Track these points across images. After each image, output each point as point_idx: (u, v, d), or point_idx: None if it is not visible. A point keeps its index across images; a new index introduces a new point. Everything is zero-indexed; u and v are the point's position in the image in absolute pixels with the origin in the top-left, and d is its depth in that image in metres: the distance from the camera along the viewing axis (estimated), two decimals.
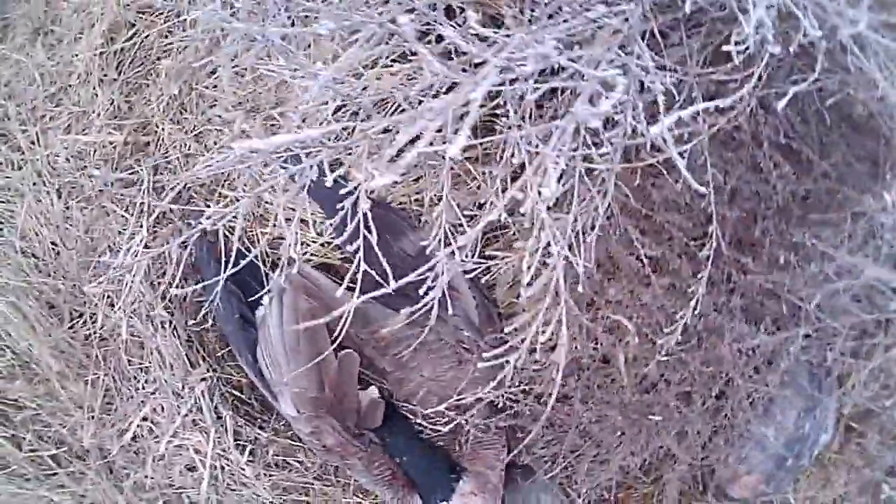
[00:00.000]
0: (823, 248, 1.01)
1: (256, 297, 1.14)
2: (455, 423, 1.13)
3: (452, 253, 0.84)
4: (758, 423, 1.25)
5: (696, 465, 1.25)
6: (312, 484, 1.26)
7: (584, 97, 0.58)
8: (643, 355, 1.10)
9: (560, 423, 1.20)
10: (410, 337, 1.16)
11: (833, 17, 0.84)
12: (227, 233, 1.18)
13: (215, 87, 1.23)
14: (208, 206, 1.21)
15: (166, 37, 1.30)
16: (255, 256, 1.21)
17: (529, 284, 0.77)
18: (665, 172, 0.99)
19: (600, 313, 1.11)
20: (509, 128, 0.84)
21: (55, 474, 1.37)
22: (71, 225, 1.32)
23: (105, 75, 1.33)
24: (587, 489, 1.26)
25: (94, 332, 1.29)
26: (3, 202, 1.38)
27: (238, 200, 1.22)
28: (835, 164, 1.05)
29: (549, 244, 0.81)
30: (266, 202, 1.19)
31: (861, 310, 1.10)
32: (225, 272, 1.13)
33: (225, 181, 1.18)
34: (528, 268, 0.75)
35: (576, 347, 1.14)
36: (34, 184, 1.35)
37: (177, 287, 1.23)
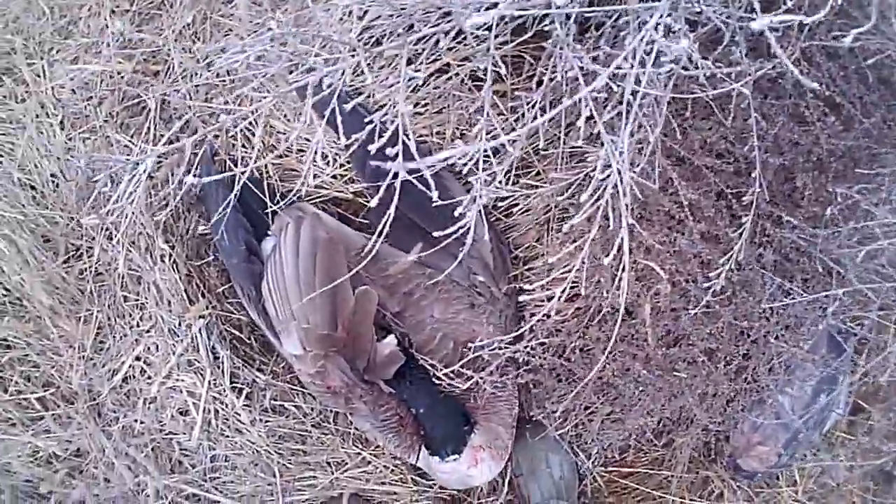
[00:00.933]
0: (865, 204, 0.97)
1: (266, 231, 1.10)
2: (472, 380, 1.08)
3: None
4: (776, 391, 1.21)
5: (712, 430, 1.20)
6: (310, 432, 1.20)
7: None
8: (671, 307, 1.06)
9: (577, 378, 1.15)
10: (421, 276, 1.12)
11: None
12: (233, 161, 1.13)
13: (231, 15, 1.20)
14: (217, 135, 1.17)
15: None
16: (265, 187, 1.18)
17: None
18: (714, 109, 0.95)
19: (631, 257, 1.07)
20: (556, 46, 0.80)
21: (41, 419, 1.30)
22: (72, 156, 1.27)
23: (117, 6, 1.29)
24: (598, 450, 1.21)
25: (90, 267, 1.24)
26: (3, 134, 1.33)
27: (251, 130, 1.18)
28: (874, 123, 1.02)
29: (599, 169, 0.77)
30: (279, 132, 1.14)
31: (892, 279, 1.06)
32: (232, 199, 1.09)
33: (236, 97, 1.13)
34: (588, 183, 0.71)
35: (603, 293, 1.10)
36: (37, 115, 1.31)
37: (180, 218, 1.18)
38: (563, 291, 0.87)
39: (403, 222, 1.11)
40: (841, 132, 1.03)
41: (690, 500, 1.27)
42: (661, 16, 0.78)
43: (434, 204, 0.74)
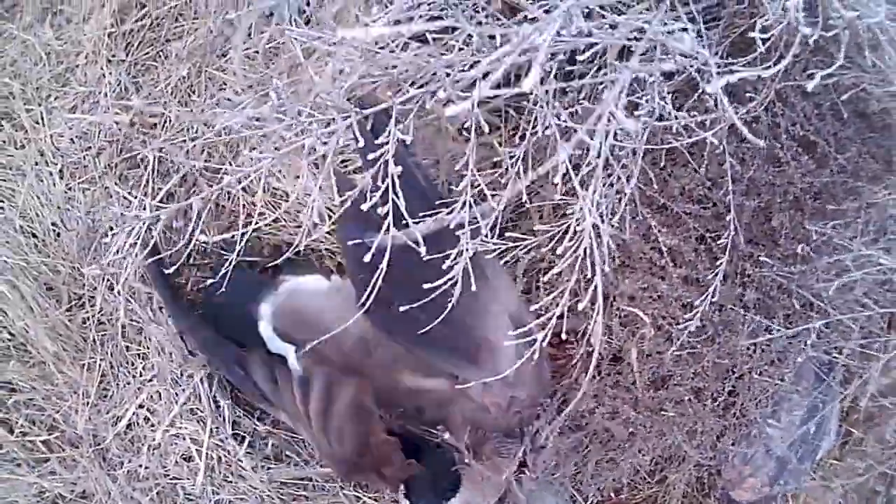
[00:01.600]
0: (839, 239, 1.00)
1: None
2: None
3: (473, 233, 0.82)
4: (764, 424, 1.25)
5: (704, 465, 1.24)
6: (311, 478, 1.23)
7: (636, 57, 0.58)
8: (656, 350, 1.09)
9: (570, 424, 1.19)
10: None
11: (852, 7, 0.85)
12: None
13: (225, 70, 1.22)
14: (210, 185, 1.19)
15: (177, 19, 1.29)
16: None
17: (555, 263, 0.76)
18: (689, 157, 0.99)
19: (615, 306, 1.10)
20: (536, 104, 0.83)
21: (47, 460, 1.33)
22: (72, 206, 1.30)
23: (113, 55, 1.31)
24: (594, 490, 1.24)
25: (92, 316, 1.27)
26: (4, 180, 1.35)
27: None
28: (849, 158, 1.05)
29: (577, 221, 0.80)
30: (276, 189, 1.17)
31: (871, 308, 1.10)
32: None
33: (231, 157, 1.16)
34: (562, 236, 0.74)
35: (588, 341, 1.13)
36: (36, 163, 1.33)
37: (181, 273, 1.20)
38: (544, 337, 0.88)
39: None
40: (815, 170, 1.07)
41: None
42: (632, 75, 0.80)
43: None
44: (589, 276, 0.82)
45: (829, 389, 1.25)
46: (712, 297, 0.92)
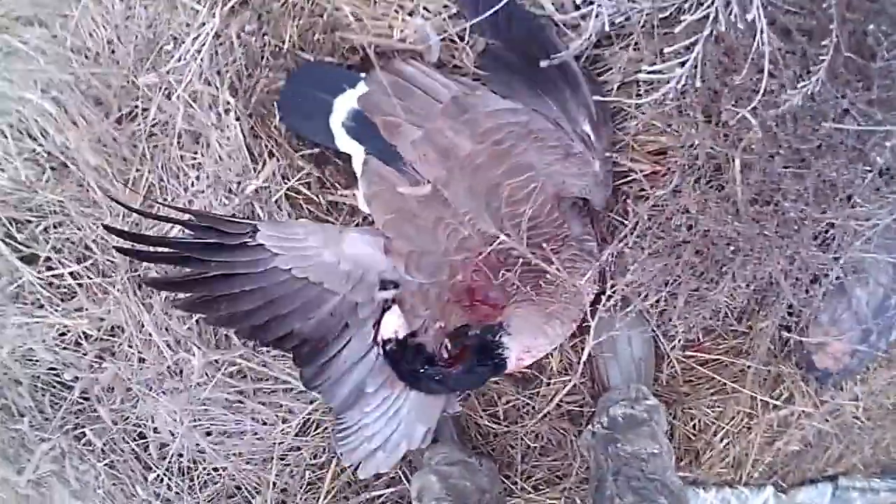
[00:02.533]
0: None
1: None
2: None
3: None
4: (853, 282, 1.18)
5: (796, 310, 1.15)
6: None
7: None
8: (763, 156, 1.02)
9: (666, 247, 1.10)
10: (513, 125, 1.07)
11: None
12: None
13: None
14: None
15: None
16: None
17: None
18: None
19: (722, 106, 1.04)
20: None
21: (73, 296, 1.20)
22: (132, 22, 1.23)
23: None
24: (682, 329, 1.14)
25: (144, 128, 1.17)
26: (54, 8, 1.28)
27: None
28: None
29: None
30: None
31: None
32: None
33: None
34: None
35: (694, 145, 1.07)
36: None
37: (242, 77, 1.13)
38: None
39: (508, 67, 1.08)
40: None
41: (762, 398, 1.21)
42: None
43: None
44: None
45: None
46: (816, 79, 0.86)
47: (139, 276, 1.16)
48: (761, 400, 1.23)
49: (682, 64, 0.96)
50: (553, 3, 1.08)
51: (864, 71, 1.07)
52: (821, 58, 0.92)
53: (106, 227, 1.01)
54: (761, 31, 0.96)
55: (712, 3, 0.94)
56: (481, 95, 1.07)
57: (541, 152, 1.04)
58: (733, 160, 1.06)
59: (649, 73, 1.00)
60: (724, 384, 1.20)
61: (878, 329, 1.21)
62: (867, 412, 1.31)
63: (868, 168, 1.06)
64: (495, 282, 1.04)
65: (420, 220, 1.05)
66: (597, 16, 1.00)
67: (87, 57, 1.24)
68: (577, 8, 1.08)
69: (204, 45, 1.15)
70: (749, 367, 1.19)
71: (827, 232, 1.11)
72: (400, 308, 1.06)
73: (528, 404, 1.29)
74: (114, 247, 1.07)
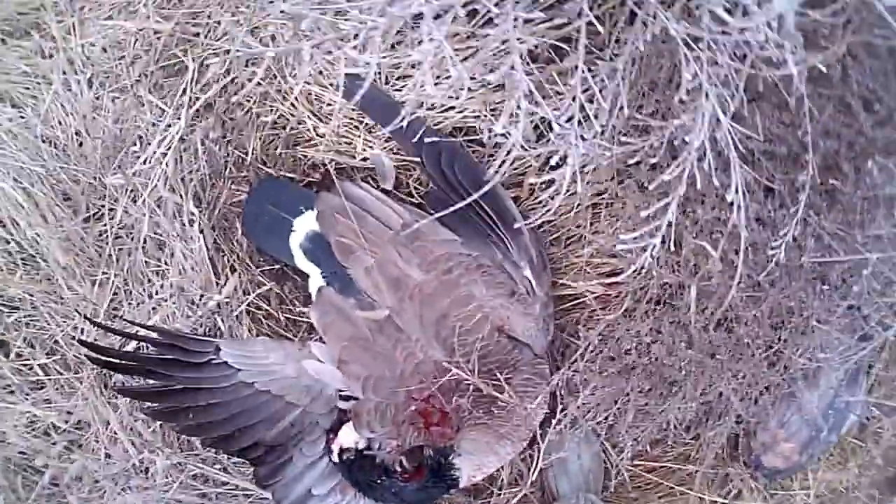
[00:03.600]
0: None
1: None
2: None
3: None
4: (804, 386, 1.20)
5: (744, 421, 1.19)
6: None
7: None
8: (720, 286, 1.03)
9: (615, 369, 1.12)
10: (463, 257, 1.08)
11: None
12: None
13: None
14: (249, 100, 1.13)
15: None
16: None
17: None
18: (777, 86, 0.94)
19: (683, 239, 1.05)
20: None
21: (41, 387, 1.24)
22: (99, 115, 1.23)
23: None
24: (630, 443, 1.17)
25: (110, 230, 1.19)
26: (27, 88, 1.28)
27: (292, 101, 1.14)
28: None
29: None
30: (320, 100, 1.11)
31: None
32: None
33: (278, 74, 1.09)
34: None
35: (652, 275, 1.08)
36: (64, 72, 1.25)
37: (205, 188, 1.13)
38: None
39: (454, 211, 1.08)
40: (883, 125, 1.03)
41: (710, 499, 1.25)
42: None
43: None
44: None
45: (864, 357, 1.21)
46: (795, 227, 0.87)
47: (106, 375, 1.19)
48: (710, 501, 1.26)
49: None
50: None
51: (833, 195, 1.07)
52: (793, 209, 0.92)
53: (81, 342, 1.05)
54: (736, 190, 0.95)
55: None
56: (432, 225, 1.08)
57: (488, 286, 1.06)
58: (689, 287, 1.07)
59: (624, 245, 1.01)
60: (672, 488, 1.23)
61: (830, 425, 1.25)
62: (819, 498, 1.34)
63: (827, 286, 1.08)
64: (448, 406, 1.07)
65: (377, 346, 1.07)
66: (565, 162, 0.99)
67: (56, 147, 1.24)
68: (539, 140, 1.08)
69: (170, 148, 1.15)
70: (697, 472, 1.22)
71: (778, 347, 1.13)
72: (356, 421, 1.09)
73: None
74: (84, 355, 1.10)
